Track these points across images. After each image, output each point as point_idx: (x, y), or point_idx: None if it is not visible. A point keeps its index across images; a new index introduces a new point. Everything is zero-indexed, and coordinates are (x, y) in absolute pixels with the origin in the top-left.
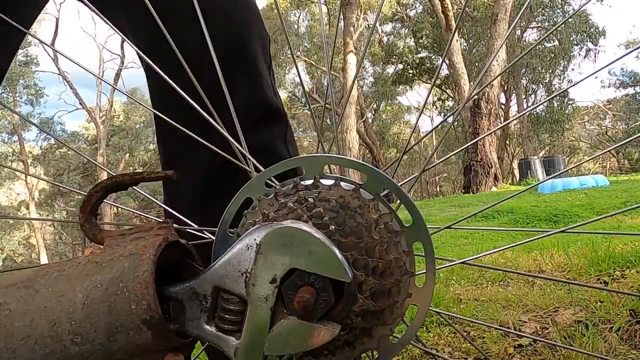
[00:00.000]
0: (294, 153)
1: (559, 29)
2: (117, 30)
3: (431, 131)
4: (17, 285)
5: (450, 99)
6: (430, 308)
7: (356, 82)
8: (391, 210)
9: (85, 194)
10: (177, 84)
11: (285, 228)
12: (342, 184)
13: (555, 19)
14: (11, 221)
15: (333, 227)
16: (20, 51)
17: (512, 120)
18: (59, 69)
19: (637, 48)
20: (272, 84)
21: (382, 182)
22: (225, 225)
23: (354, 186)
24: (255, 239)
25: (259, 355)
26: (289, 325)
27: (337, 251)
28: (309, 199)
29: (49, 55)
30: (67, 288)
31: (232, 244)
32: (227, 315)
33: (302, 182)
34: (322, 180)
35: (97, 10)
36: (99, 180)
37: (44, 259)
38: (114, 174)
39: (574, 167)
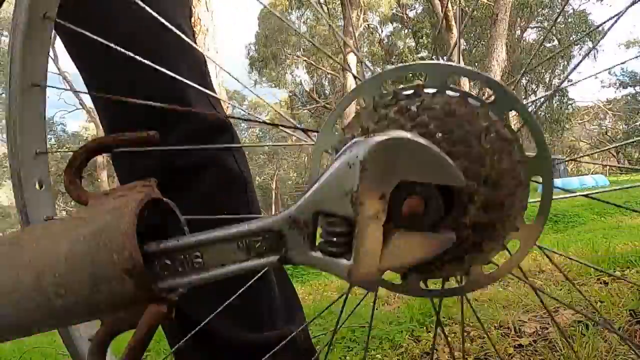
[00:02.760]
0: (241, 161)
1: (558, 28)
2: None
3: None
4: (4, 243)
5: None
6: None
7: (356, 82)
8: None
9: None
10: (126, 110)
11: (387, 140)
12: (447, 92)
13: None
14: (11, 221)
15: (440, 135)
16: None
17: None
18: (59, 69)
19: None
20: (212, 102)
21: (510, 102)
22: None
23: (478, 101)
24: (357, 156)
25: (374, 273)
26: (401, 238)
27: (446, 156)
28: (412, 107)
29: (49, 55)
30: (51, 242)
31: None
32: (333, 239)
33: (403, 92)
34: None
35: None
36: (84, 144)
37: None
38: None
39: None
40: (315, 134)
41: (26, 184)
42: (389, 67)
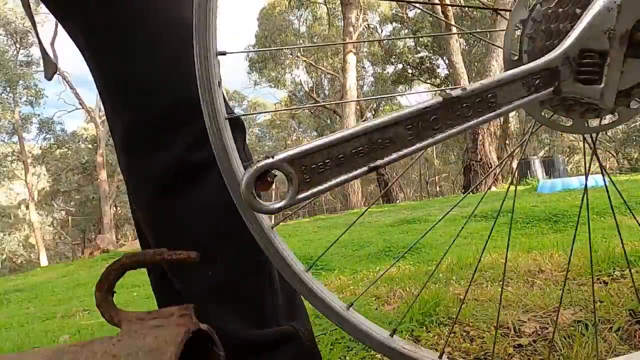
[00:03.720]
0: (248, 152)
1: None
2: None
3: None
4: None
5: None
6: None
7: (356, 82)
8: None
9: None
10: (143, 108)
11: None
12: None
13: None
14: (10, 221)
15: None
16: (22, 51)
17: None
18: (58, 69)
19: None
20: (224, 99)
21: None
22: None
23: None
24: (614, 1)
25: (615, 92)
26: (630, 65)
27: None
28: None
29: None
30: None
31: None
32: (591, 68)
33: None
34: None
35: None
36: (117, 259)
37: (43, 259)
38: (129, 253)
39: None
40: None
41: (210, 81)
42: None
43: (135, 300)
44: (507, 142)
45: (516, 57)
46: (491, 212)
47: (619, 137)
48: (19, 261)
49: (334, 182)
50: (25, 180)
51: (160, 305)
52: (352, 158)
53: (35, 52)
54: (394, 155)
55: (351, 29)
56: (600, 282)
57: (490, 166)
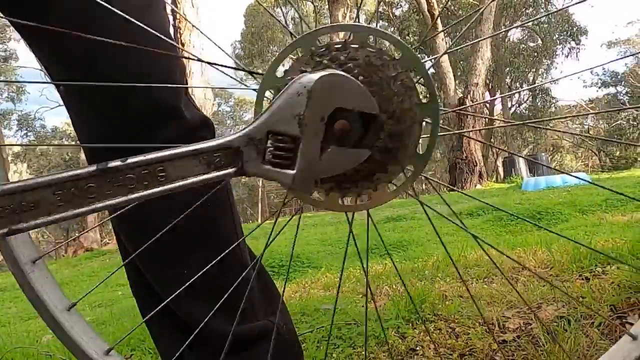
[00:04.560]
0: None
1: (543, 28)
2: None
3: None
4: None
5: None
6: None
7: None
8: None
9: None
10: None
11: (329, 75)
12: (367, 47)
13: (539, 18)
14: None
15: (361, 78)
16: None
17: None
18: (41, 65)
19: None
20: (191, 100)
21: (412, 60)
22: (272, 75)
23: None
24: (305, 87)
25: (312, 180)
26: (332, 153)
27: (368, 91)
28: (341, 57)
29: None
30: None
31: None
32: (281, 153)
33: (335, 45)
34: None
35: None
36: None
37: None
38: None
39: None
40: (260, 76)
41: None
42: (322, 26)
43: (120, 299)
44: (491, 140)
45: None
46: (476, 209)
47: (601, 135)
48: (0, 259)
49: None
50: (6, 178)
51: (139, 303)
52: None
53: (13, 46)
54: (41, 220)
55: None
56: (582, 278)
57: (475, 164)
